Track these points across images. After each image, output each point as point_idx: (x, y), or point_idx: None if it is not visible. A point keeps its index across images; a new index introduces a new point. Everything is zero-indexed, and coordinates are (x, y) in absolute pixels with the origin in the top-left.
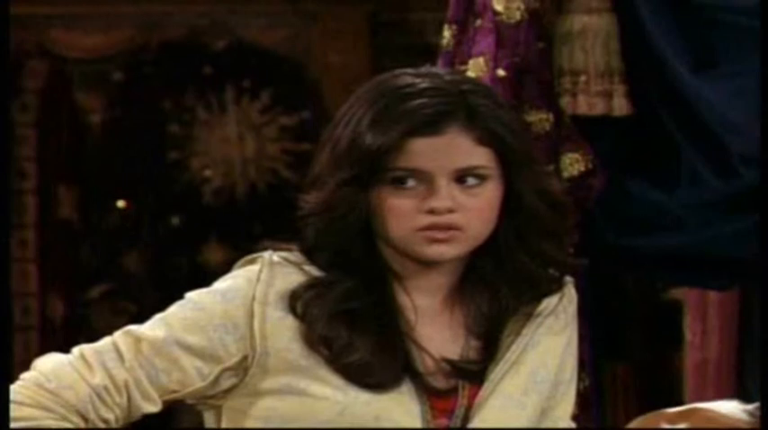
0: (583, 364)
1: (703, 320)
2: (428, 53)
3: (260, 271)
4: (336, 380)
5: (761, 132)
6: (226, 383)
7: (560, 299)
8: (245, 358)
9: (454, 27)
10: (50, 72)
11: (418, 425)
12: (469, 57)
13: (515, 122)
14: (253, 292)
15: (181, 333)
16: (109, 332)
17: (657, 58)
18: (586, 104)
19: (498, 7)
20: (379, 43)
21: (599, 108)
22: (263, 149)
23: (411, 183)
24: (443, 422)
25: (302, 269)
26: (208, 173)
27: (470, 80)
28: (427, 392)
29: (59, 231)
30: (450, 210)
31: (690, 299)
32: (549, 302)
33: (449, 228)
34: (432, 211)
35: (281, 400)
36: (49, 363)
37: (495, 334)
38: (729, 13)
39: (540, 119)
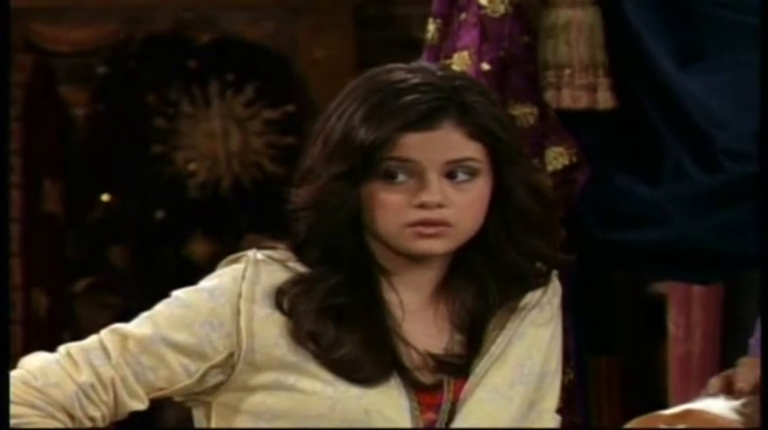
0: (567, 358)
1: (687, 314)
2: (413, 47)
3: (245, 269)
4: (325, 374)
5: (760, 129)
6: (212, 380)
7: (544, 291)
8: (231, 355)
9: (439, 21)
10: (35, 66)
11: (407, 419)
12: (454, 51)
13: (506, 118)
14: (239, 290)
15: (167, 330)
16: (94, 326)
17: (642, 51)
18: (570, 98)
19: (483, 1)
20: (365, 38)
21: (583, 102)
22: (247, 143)
23: (402, 177)
24: (430, 416)
25: (287, 266)
26: (192, 166)
27: (462, 76)
28: (414, 387)
29: (44, 225)
30: (441, 205)
31: (674, 292)
32: (533, 295)
33: (439, 223)
34: (422, 206)
35: (272, 396)
36: (35, 361)
37: (480, 328)
38: (716, 7)
39: (524, 113)
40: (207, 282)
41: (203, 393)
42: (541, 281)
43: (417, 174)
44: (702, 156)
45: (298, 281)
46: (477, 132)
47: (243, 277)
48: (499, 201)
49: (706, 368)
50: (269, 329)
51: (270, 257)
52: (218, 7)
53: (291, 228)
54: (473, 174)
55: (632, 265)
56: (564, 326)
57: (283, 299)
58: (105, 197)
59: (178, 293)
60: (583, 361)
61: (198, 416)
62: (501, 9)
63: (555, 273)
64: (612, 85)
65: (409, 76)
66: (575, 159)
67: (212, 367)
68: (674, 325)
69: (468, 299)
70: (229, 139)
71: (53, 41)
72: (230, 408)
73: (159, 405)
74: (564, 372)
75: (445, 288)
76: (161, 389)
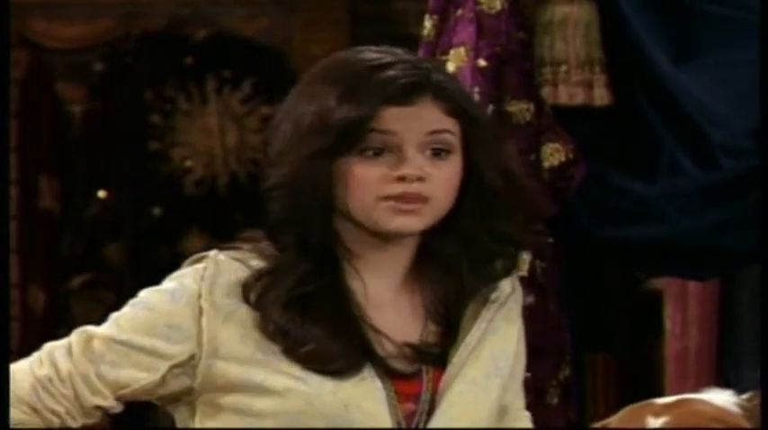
0: (564, 354)
1: (683, 310)
2: (409, 44)
3: (205, 268)
4: (297, 370)
5: (761, 127)
6: (175, 381)
7: (513, 290)
8: (192, 357)
9: (435, 17)
10: (31, 62)
11: (385, 410)
12: (450, 47)
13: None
14: (198, 290)
15: (130, 333)
16: (89, 322)
17: (638, 48)
18: (567, 94)
19: None
20: (360, 33)
21: (579, 98)
22: (244, 140)
23: (381, 152)
24: (409, 406)
25: (248, 265)
26: (189, 163)
27: (426, 59)
28: (390, 376)
29: (40, 222)
30: (420, 179)
31: (670, 289)
32: (502, 291)
33: (417, 199)
34: (402, 179)
35: (246, 396)
36: (19, 363)
37: (454, 317)
38: (711, 4)
39: (520, 109)
40: (168, 283)
41: (181, 393)
42: (509, 265)
43: (396, 148)
44: (698, 152)
45: (263, 274)
46: (453, 109)
47: (202, 277)
48: (471, 182)
49: (702, 364)
50: (233, 328)
51: (232, 257)
52: (213, 3)
53: (266, 210)
54: (449, 150)
55: (628, 262)
56: (560, 323)
57: (250, 292)
58: (102, 194)
59: (142, 295)
60: (579, 357)
61: (181, 417)
62: (497, 5)
63: (517, 280)
64: (609, 81)
65: (380, 55)
66: (571, 156)
67: (174, 366)
68: (670, 321)
69: (440, 288)
70: (226, 136)
71: (49, 38)
72: (213, 406)
73: (153, 403)
74: (560, 368)
75: (415, 276)
76: (125, 386)
